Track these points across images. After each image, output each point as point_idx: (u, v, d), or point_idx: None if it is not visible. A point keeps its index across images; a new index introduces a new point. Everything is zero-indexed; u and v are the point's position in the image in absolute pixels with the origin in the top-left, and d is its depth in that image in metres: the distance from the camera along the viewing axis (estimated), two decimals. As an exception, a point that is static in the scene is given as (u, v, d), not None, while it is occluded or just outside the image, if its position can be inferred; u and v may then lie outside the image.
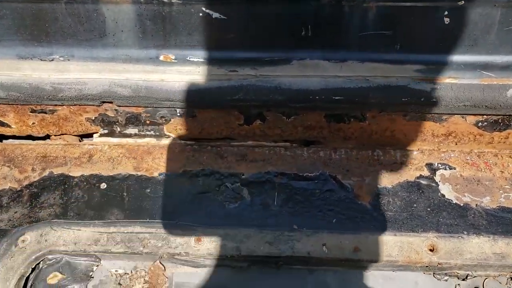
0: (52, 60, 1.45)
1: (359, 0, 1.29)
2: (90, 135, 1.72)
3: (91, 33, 1.38)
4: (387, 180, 1.55)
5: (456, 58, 1.39)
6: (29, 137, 1.72)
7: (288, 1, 1.30)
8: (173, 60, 1.44)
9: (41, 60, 1.45)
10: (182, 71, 1.45)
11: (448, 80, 1.42)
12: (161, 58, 1.43)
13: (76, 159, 1.63)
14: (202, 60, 1.43)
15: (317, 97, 1.44)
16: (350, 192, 1.52)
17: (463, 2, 1.27)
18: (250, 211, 1.48)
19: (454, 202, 1.48)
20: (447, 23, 1.32)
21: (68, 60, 1.44)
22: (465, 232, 1.40)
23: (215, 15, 1.33)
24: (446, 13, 1.30)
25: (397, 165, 1.59)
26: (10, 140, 1.73)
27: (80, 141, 1.74)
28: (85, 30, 1.38)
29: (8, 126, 1.65)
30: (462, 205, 1.47)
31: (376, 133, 1.61)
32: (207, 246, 1.39)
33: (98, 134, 1.70)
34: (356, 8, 1.31)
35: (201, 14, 1.33)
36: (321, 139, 1.65)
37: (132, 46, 1.41)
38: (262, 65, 1.43)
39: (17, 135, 1.70)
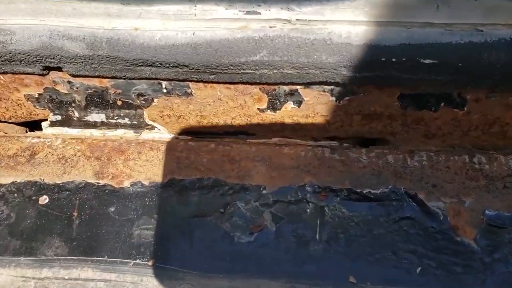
0: (-40, -7, 0.90)
1: None
2: (37, 124, 1.16)
3: None
4: (500, 203, 0.94)
5: None
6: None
7: None
8: (154, -5, 0.87)
9: None
10: (168, 14, 0.89)
11: None
12: (135, -9, 0.87)
13: (10, 158, 1.07)
14: (201, -6, 0.86)
15: (393, 60, 0.85)
16: (442, 222, 0.91)
17: None
18: (275, 248, 0.89)
19: None
20: None
21: (-13, -7, 0.90)
22: None
23: None
24: None
25: (513, 179, 0.97)
26: None
27: (26, 132, 1.18)
28: None
29: None
30: None
31: (477, 128, 1.02)
32: (201, 310, 0.80)
33: (47, 122, 1.14)
34: None
35: None
36: (389, 137, 1.07)
37: (86, -30, 0.85)
38: (301, 4, 0.85)
39: None
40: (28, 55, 0.93)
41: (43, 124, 1.15)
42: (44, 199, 0.99)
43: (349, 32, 0.86)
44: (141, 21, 0.89)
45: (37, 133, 1.17)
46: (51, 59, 0.94)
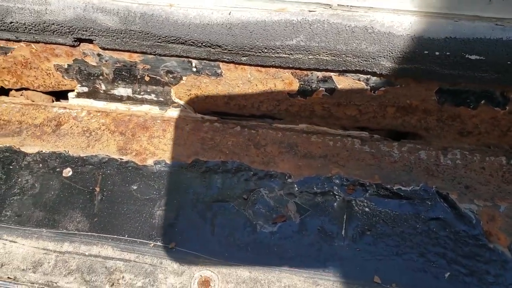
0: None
1: None
2: (64, 94, 1.15)
3: None
4: (538, 211, 0.89)
5: None
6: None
7: None
8: (191, -30, 0.84)
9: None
10: (205, -9, 0.85)
11: None
12: (171, -36, 0.83)
13: (37, 127, 1.06)
14: (240, -29, 0.82)
15: (436, 53, 0.81)
16: (474, 226, 0.87)
17: None
18: (298, 241, 0.87)
19: None
20: None
21: (20, -40, 0.87)
22: None
23: None
24: None
25: (555, 187, 0.92)
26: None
27: (52, 102, 1.18)
28: None
29: None
30: None
31: (519, 129, 0.96)
32: (219, 296, 0.80)
33: (74, 93, 1.13)
34: None
35: None
36: (422, 132, 1.03)
37: None
38: (345, -13, 0.81)
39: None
40: (62, 26, 0.91)
41: (70, 94, 1.14)
42: (67, 172, 0.99)
43: (392, 21, 0.81)
44: (176, -3, 0.86)
45: (63, 103, 1.16)
46: (83, 31, 0.92)
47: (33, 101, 1.16)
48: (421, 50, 0.82)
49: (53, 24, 0.92)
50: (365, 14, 0.83)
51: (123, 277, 0.83)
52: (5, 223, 0.90)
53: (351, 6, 0.83)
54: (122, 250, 0.86)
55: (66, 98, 1.19)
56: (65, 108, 1.11)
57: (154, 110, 1.11)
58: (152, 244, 0.88)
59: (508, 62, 0.81)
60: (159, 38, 0.90)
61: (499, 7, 0.80)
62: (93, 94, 1.12)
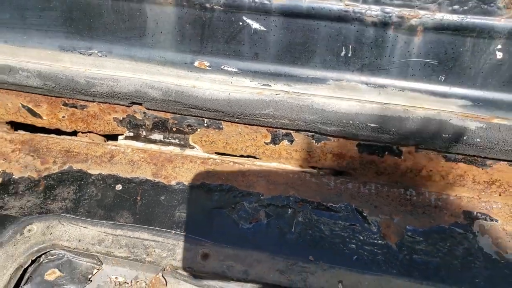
0: (90, 54, 1.46)
1: (406, 24, 1.23)
2: (115, 137, 1.71)
3: (132, 32, 1.39)
4: (418, 223, 1.41)
5: (508, 97, 1.28)
6: (58, 132, 1.73)
7: (331, 19, 1.26)
8: (207, 68, 1.41)
9: (81, 53, 1.47)
10: (215, 80, 1.43)
11: (496, 120, 1.31)
12: (196, 64, 1.41)
13: (97, 157, 1.61)
14: (236, 70, 1.40)
15: (350, 122, 1.36)
16: (376, 230, 1.39)
17: (519, 37, 1.19)
18: (264, 234, 1.38)
19: (494, 257, 1.31)
20: (499, 58, 1.23)
21: (106, 56, 1.45)
22: (504, 293, 1.23)
23: (255, 25, 1.31)
24: (499, 47, 1.22)
25: (430, 208, 1.45)
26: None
27: (105, 141, 1.73)
28: (126, 28, 1.39)
29: (40, 117, 1.67)
30: (503, 262, 1.30)
31: (411, 171, 1.50)
32: (214, 264, 1.29)
33: (123, 136, 1.68)
34: (402, 32, 1.24)
35: (241, 23, 1.32)
36: (351, 171, 1.55)
37: (168, 48, 1.40)
38: (296, 82, 1.38)
39: (46, 127, 1.71)
40: (125, 95, 1.47)
41: (120, 137, 1.69)
42: (119, 187, 1.51)
43: (323, 102, 1.37)
44: (198, 82, 1.43)
45: (115, 142, 1.71)
46: (137, 98, 1.49)
47: (94, 140, 1.71)
48: (341, 120, 1.38)
49: (120, 93, 1.48)
50: (308, 97, 1.39)
51: (154, 251, 1.33)
52: (80, 216, 1.42)
53: (300, 92, 1.40)
54: (154, 235, 1.37)
55: (115, 139, 1.74)
56: (116, 146, 1.66)
57: (176, 150, 1.66)
58: (173, 232, 1.38)
59: (392, 129, 1.36)
60: (185, 105, 1.46)
61: (387, 97, 1.36)
62: (136, 137, 1.67)
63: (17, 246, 1.31)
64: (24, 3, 1.42)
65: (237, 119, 1.47)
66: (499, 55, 1.23)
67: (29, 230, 1.35)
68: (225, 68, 1.40)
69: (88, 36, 1.44)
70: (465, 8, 1.19)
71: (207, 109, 1.44)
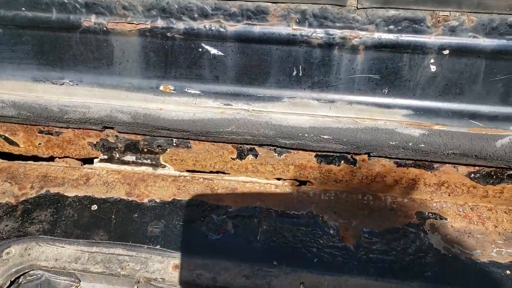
0: (62, 84, 1.57)
1: (349, 44, 1.36)
2: (91, 161, 1.80)
3: (100, 61, 1.50)
4: (374, 225, 1.52)
5: (443, 105, 1.42)
6: (35, 158, 1.81)
7: (281, 42, 1.39)
8: (172, 91, 1.53)
9: (53, 83, 1.57)
10: (180, 102, 1.54)
11: (436, 127, 1.44)
12: (161, 88, 1.53)
13: (74, 180, 1.69)
14: (199, 92, 1.52)
15: (306, 135, 1.48)
16: (335, 233, 1.49)
17: (448, 51, 1.33)
18: (232, 243, 1.47)
19: (442, 252, 1.43)
20: (433, 70, 1.37)
21: (77, 85, 1.56)
22: (451, 284, 1.34)
23: (214, 51, 1.44)
24: (432, 61, 1.36)
25: (386, 211, 1.57)
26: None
27: (81, 165, 1.81)
28: (94, 58, 1.50)
29: (17, 145, 1.76)
30: (450, 256, 1.42)
31: (366, 178, 1.62)
32: (184, 274, 1.38)
33: (98, 159, 1.77)
34: (346, 52, 1.38)
35: (200, 50, 1.44)
36: (312, 180, 1.67)
37: (135, 75, 1.52)
38: (255, 101, 1.50)
39: (23, 154, 1.79)
40: (96, 120, 1.57)
41: (95, 160, 1.78)
42: (94, 207, 1.60)
43: (280, 118, 1.49)
44: (164, 105, 1.54)
45: (90, 165, 1.80)
46: (109, 122, 1.59)
47: (70, 165, 1.80)
48: (297, 133, 1.50)
49: (92, 119, 1.58)
50: (267, 114, 1.51)
51: (128, 264, 1.41)
52: (57, 236, 1.49)
53: (259, 110, 1.51)
54: (128, 250, 1.45)
55: (91, 162, 1.83)
56: (91, 168, 1.75)
57: (149, 169, 1.75)
58: (146, 247, 1.47)
59: (344, 139, 1.49)
60: (154, 127, 1.56)
61: (337, 110, 1.49)
62: (110, 159, 1.76)
63: (-4, 268, 1.38)
64: (-3, 39, 1.52)
65: (203, 137, 1.58)
66: (433, 68, 1.37)
67: (7, 253, 1.42)
68: (189, 91, 1.52)
69: (59, 67, 1.55)
70: (399, 28, 1.33)
71: (174, 129, 1.55)
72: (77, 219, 1.55)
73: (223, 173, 1.72)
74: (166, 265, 1.39)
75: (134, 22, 1.42)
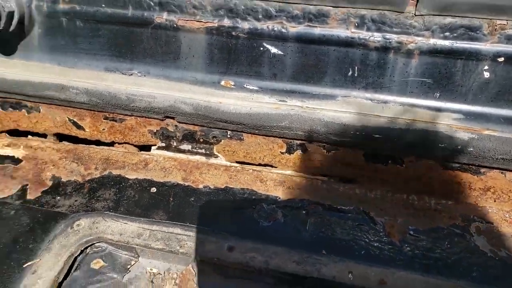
0: (131, 74, 1.70)
1: (404, 49, 1.43)
2: (147, 148, 1.93)
3: (168, 55, 1.63)
4: (419, 223, 1.58)
5: (495, 111, 1.47)
6: (97, 143, 1.96)
7: (339, 44, 1.47)
8: (232, 86, 1.63)
9: (123, 74, 1.71)
10: (238, 97, 1.64)
11: (487, 132, 1.49)
12: (222, 83, 1.64)
13: (133, 164, 1.82)
14: (256, 88, 1.62)
15: (357, 133, 1.55)
16: (381, 229, 1.56)
17: (503, 59, 1.38)
18: (282, 232, 1.56)
19: (489, 254, 1.47)
20: (487, 77, 1.42)
21: (144, 76, 1.69)
22: (498, 286, 1.38)
23: (274, 50, 1.53)
24: (486, 68, 1.41)
25: (430, 211, 1.62)
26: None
27: (138, 151, 1.95)
28: (163, 52, 1.63)
29: (83, 129, 1.91)
30: (497, 258, 1.45)
31: (412, 179, 1.67)
32: (238, 256, 1.48)
33: (156, 147, 1.90)
34: (401, 55, 1.45)
35: (261, 49, 1.54)
36: (358, 178, 1.73)
37: (199, 70, 1.63)
38: (309, 98, 1.59)
39: (88, 138, 1.94)
40: (160, 109, 1.70)
41: (153, 147, 1.91)
42: (153, 189, 1.72)
43: (333, 116, 1.57)
44: (223, 99, 1.64)
45: (148, 152, 1.93)
46: (171, 112, 1.71)
47: (129, 151, 1.94)
48: (349, 131, 1.57)
49: (156, 108, 1.71)
50: (320, 111, 1.59)
51: (186, 243, 1.52)
52: (120, 214, 1.62)
53: (313, 107, 1.60)
54: (185, 230, 1.56)
55: (147, 149, 1.96)
56: (149, 155, 1.88)
57: (203, 158, 1.87)
58: (202, 228, 1.58)
59: (394, 139, 1.55)
60: (212, 119, 1.67)
61: (390, 111, 1.56)
62: (167, 147, 1.89)
63: (69, 238, 1.52)
64: (77, 31, 1.67)
65: (257, 131, 1.67)
66: (486, 74, 1.42)
67: (78, 224, 1.56)
68: (247, 87, 1.62)
69: (130, 59, 1.68)
70: (455, 34, 1.39)
71: (231, 122, 1.65)
72: (138, 200, 1.67)
73: (271, 166, 1.82)
74: (221, 246, 1.49)
75: (203, 21, 1.54)
